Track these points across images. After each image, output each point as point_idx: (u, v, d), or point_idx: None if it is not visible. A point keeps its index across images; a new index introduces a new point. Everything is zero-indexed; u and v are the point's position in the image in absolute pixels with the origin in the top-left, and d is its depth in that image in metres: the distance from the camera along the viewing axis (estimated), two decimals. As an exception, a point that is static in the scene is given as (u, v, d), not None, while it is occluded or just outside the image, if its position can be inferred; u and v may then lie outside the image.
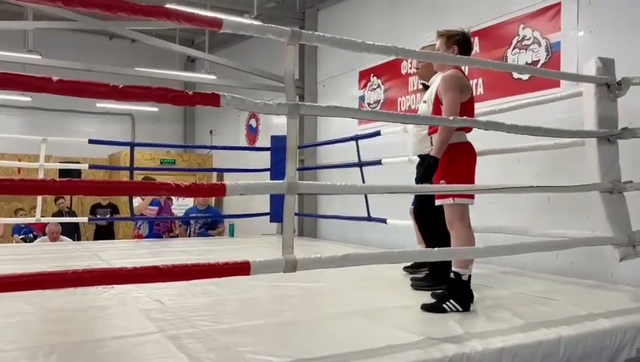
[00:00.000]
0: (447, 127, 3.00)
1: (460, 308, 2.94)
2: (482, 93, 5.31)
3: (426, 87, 3.98)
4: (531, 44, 4.99)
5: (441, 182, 3.05)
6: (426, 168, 3.02)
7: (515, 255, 3.88)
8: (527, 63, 4.97)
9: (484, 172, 3.76)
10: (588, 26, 4.56)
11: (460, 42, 3.21)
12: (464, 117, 3.05)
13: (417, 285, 3.61)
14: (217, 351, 2.25)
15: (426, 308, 2.98)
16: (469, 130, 3.16)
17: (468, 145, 3.16)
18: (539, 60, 4.91)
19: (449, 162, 3.06)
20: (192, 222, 7.53)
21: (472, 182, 3.12)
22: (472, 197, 3.09)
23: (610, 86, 3.52)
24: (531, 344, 2.43)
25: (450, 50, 3.21)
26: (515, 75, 5.06)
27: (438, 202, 3.13)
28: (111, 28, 8.01)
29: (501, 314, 2.92)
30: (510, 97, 4.99)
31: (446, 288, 3.06)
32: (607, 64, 3.56)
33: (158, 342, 2.36)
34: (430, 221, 3.62)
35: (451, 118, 2.97)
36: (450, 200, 3.04)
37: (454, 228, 3.07)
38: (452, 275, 3.01)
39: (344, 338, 2.47)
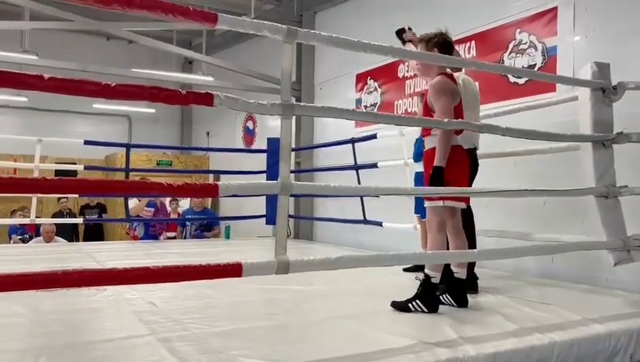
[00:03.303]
0: (445, 134, 2.99)
1: (426, 309, 2.97)
2: (479, 96, 5.30)
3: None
4: (527, 48, 4.99)
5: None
6: (432, 178, 3.00)
7: (509, 259, 3.87)
8: (523, 67, 4.97)
9: (479, 175, 3.77)
10: (584, 30, 4.57)
11: (439, 44, 3.16)
12: (459, 119, 3.05)
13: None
14: (209, 354, 2.23)
15: (394, 305, 3.04)
16: (457, 133, 3.12)
17: (459, 149, 3.15)
18: (535, 64, 4.91)
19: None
20: (187, 223, 7.51)
21: (463, 185, 3.11)
22: (462, 200, 3.08)
23: (605, 90, 3.52)
24: (524, 349, 2.41)
25: None
26: (512, 79, 5.06)
27: (426, 204, 3.12)
28: (108, 28, 8.00)
29: (494, 318, 2.91)
30: (506, 101, 4.99)
31: (417, 288, 3.06)
32: (602, 69, 3.57)
33: (149, 345, 2.34)
34: None
35: (445, 120, 2.96)
36: (440, 203, 3.04)
37: (430, 231, 3.11)
38: (423, 276, 3.04)
39: (336, 342, 2.45)
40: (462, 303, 3.11)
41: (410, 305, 2.99)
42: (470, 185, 3.60)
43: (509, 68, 4.93)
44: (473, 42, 5.53)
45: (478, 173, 3.75)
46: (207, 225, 7.63)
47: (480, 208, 3.88)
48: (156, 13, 2.04)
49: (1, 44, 7.19)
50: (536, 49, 4.92)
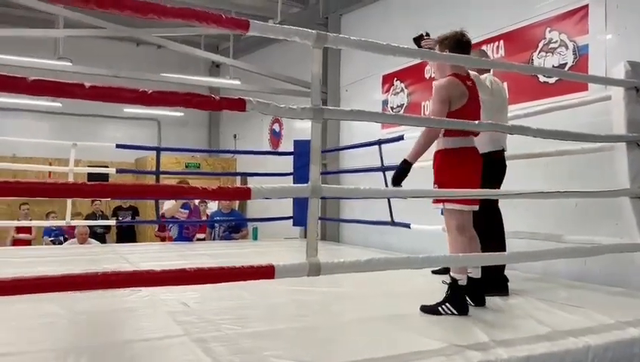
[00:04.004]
0: (428, 132, 2.98)
1: (456, 312, 2.96)
2: (507, 96, 5.24)
3: None
4: (558, 47, 4.92)
5: (435, 186, 3.06)
6: (396, 171, 3.03)
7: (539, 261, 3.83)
8: (554, 66, 4.90)
9: (510, 176, 3.73)
10: (616, 28, 4.49)
11: (450, 46, 3.11)
12: (490, 121, 3.03)
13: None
14: (241, 354, 2.27)
15: (424, 309, 3.03)
16: (466, 134, 3.06)
17: (470, 151, 3.10)
18: (566, 63, 4.83)
19: (444, 167, 3.05)
20: (216, 225, 7.61)
21: (472, 187, 3.03)
22: (469, 203, 3.05)
23: (639, 90, 3.46)
24: (558, 352, 2.39)
25: None
26: (542, 79, 5.00)
27: (434, 206, 3.15)
28: (139, 35, 8.17)
29: (526, 321, 2.88)
30: (536, 101, 4.93)
31: (446, 291, 3.05)
32: (636, 67, 3.51)
33: (184, 345, 2.40)
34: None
35: (476, 122, 2.96)
36: (454, 206, 3.03)
37: (450, 234, 3.10)
38: (450, 280, 3.03)
39: (367, 344, 2.46)
40: (479, 302, 3.10)
41: (439, 308, 2.99)
42: (499, 187, 3.57)
43: (538, 68, 4.88)
44: (502, 42, 5.48)
45: (506, 173, 3.72)
46: (235, 226, 7.72)
47: (509, 209, 3.84)
48: (191, 21, 2.10)
49: (36, 52, 7.43)
50: (567, 48, 4.85)
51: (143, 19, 2.32)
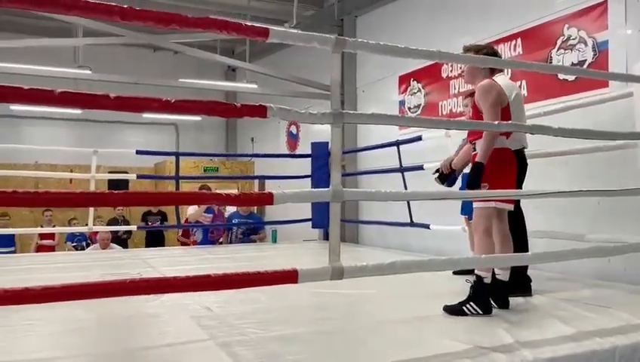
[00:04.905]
0: (490, 133, 3.00)
1: (481, 311, 2.96)
2: (526, 95, 5.20)
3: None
4: (577, 43, 4.87)
5: (483, 186, 3.05)
6: (473, 173, 3.02)
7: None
8: (573, 64, 4.86)
9: (529, 175, 3.71)
10: (636, 24, 4.43)
11: (488, 55, 3.26)
12: (509, 121, 3.02)
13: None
14: (267, 358, 2.29)
15: (448, 309, 3.02)
16: (508, 135, 3.16)
17: (507, 151, 3.16)
18: (585, 60, 4.78)
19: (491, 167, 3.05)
20: (234, 227, 7.66)
21: (511, 187, 3.10)
22: (509, 202, 3.10)
23: (662, 86, 3.41)
24: (584, 354, 2.37)
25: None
26: (561, 76, 4.95)
27: (475, 205, 3.15)
28: (156, 41, 8.26)
29: (550, 321, 2.86)
30: (556, 99, 4.89)
31: (470, 290, 3.06)
32: (658, 63, 3.46)
33: (209, 349, 2.43)
34: None
35: (496, 122, 2.95)
36: (491, 204, 3.04)
37: (477, 235, 3.13)
38: (475, 278, 3.04)
39: (391, 347, 2.47)
40: (503, 305, 3.10)
41: (464, 308, 2.98)
42: (520, 186, 3.55)
43: (557, 67, 4.82)
44: (519, 40, 5.43)
45: (527, 172, 3.70)
46: (253, 229, 7.78)
47: (530, 209, 3.81)
48: (212, 30, 2.13)
49: (56, 61, 7.55)
50: (586, 44, 4.79)
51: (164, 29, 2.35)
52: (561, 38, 5.01)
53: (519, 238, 3.52)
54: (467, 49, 3.31)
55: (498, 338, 2.53)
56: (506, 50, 5.51)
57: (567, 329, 2.68)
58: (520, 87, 5.23)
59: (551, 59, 5.08)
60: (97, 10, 1.90)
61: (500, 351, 2.32)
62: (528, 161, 3.74)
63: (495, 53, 3.33)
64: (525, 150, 3.70)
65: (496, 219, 3.12)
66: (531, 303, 3.30)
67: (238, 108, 2.27)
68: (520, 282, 3.47)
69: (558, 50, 5.04)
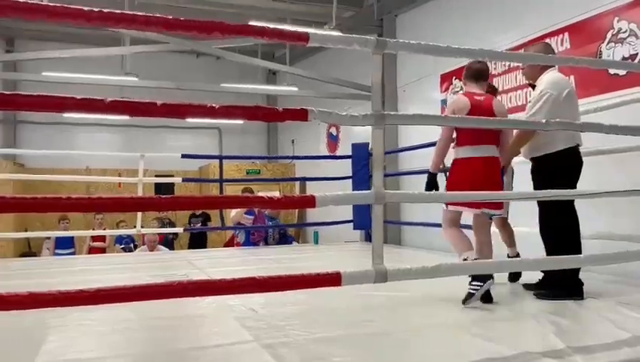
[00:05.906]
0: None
1: (481, 283, 3.12)
2: (575, 91, 5.04)
3: (532, 87, 3.86)
4: (628, 36, 4.68)
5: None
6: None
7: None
8: (623, 57, 4.68)
9: (585, 174, 3.57)
10: (692, 14, 4.22)
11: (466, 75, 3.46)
12: (557, 119, 2.93)
13: (540, 294, 3.49)
14: (312, 361, 2.30)
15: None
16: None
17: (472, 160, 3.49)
18: (637, 54, 4.60)
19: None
20: (270, 230, 7.72)
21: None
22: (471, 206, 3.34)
23: None
24: (641, 360, 2.27)
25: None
26: (612, 71, 4.77)
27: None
28: (198, 47, 8.44)
29: (604, 326, 2.75)
30: (607, 94, 4.71)
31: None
32: None
33: (254, 351, 2.45)
34: (549, 228, 3.52)
35: (544, 120, 2.87)
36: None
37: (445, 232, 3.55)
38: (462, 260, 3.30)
39: (438, 350, 2.44)
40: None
41: (470, 291, 3.17)
42: (574, 186, 3.44)
43: (605, 62, 4.65)
44: (566, 34, 5.27)
45: (582, 171, 3.57)
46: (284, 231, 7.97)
47: (583, 210, 3.68)
48: (254, 37, 2.16)
49: (104, 69, 7.83)
50: (637, 37, 4.61)
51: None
52: (611, 31, 4.83)
53: (572, 239, 3.41)
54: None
55: (548, 344, 2.46)
56: (552, 45, 5.34)
57: (622, 334, 2.58)
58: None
59: (600, 54, 4.90)
60: (149, 23, 1.96)
61: (551, 357, 2.25)
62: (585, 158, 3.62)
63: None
64: (580, 148, 3.58)
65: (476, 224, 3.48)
66: (584, 307, 3.19)
67: (280, 112, 2.29)
68: (572, 285, 3.36)
69: (608, 43, 4.86)
